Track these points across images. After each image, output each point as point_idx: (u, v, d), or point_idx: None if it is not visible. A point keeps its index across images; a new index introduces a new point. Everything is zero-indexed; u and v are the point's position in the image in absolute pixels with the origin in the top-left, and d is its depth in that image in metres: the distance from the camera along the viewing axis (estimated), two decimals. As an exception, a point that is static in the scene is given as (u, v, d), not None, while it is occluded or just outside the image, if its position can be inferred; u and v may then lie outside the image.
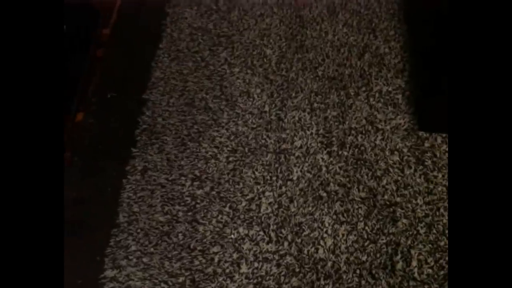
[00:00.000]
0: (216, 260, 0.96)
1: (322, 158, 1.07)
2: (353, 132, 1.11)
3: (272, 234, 0.98)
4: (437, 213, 0.99)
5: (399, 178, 1.04)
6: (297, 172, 1.05)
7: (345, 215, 0.99)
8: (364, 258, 0.94)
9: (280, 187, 1.04)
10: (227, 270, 0.94)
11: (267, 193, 1.03)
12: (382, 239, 0.96)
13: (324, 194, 1.02)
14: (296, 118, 1.14)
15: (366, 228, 0.98)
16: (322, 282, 0.92)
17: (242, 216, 1.00)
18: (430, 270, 0.92)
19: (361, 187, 1.03)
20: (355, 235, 0.97)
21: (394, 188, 1.02)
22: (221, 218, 1.00)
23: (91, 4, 1.27)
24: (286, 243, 0.97)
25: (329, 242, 0.96)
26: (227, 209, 1.02)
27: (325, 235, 0.97)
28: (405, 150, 1.08)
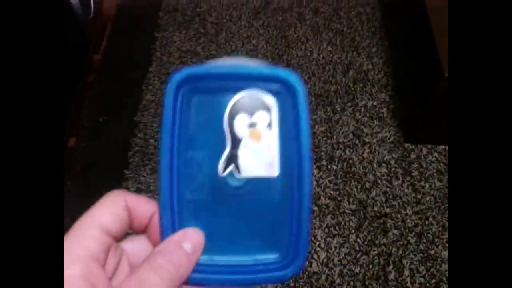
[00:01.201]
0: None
1: (312, 173, 1.09)
2: (341, 146, 1.14)
3: (266, 250, 0.99)
4: (426, 222, 1.01)
5: (388, 189, 1.06)
6: (288, 187, 1.07)
7: (336, 228, 1.01)
8: (357, 270, 0.95)
9: (272, 203, 1.05)
10: None
11: (259, 210, 1.05)
12: (374, 250, 0.98)
13: (316, 208, 1.04)
14: (285, 135, 1.16)
15: (358, 240, 0.99)
16: (317, 296, 0.93)
17: (235, 233, 1.01)
18: (422, 279, 0.94)
19: (351, 199, 1.05)
20: (347, 247, 0.99)
21: (383, 199, 1.05)
22: (215, 236, 1.01)
23: (81, 32, 1.31)
24: (280, 258, 0.98)
25: (322, 255, 0.98)
26: (220, 226, 1.03)
27: (318, 248, 0.99)
28: (392, 162, 1.10)
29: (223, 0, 1.48)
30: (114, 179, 1.12)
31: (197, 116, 0.26)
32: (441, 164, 1.09)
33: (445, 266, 0.95)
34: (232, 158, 0.26)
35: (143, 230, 0.27)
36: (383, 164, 1.10)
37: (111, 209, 0.25)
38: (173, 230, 0.26)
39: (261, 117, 0.26)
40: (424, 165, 1.10)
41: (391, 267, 0.95)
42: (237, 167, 0.26)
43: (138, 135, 1.20)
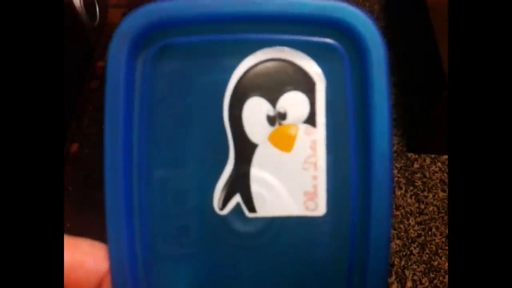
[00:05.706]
0: None
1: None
2: (344, 155, 1.13)
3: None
4: (429, 233, 1.00)
5: (391, 199, 1.05)
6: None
7: (339, 237, 1.00)
8: (359, 280, 0.94)
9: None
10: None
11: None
12: (377, 261, 0.97)
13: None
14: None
15: (360, 250, 0.99)
16: (318, 306, 0.92)
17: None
18: (425, 290, 0.93)
19: (353, 209, 1.04)
20: (349, 257, 0.98)
21: (386, 209, 1.04)
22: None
23: (86, 38, 1.32)
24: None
25: (324, 265, 0.97)
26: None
27: (319, 258, 0.98)
28: (395, 171, 1.10)
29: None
30: (116, 186, 1.11)
31: (173, 104, 0.14)
32: (445, 174, 1.09)
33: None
34: (239, 183, 0.14)
35: None
36: (386, 174, 1.09)
37: None
38: None
39: (293, 103, 0.13)
40: (428, 175, 1.09)
41: (393, 278, 0.94)
42: (247, 199, 0.14)
43: (140, 142, 1.20)
